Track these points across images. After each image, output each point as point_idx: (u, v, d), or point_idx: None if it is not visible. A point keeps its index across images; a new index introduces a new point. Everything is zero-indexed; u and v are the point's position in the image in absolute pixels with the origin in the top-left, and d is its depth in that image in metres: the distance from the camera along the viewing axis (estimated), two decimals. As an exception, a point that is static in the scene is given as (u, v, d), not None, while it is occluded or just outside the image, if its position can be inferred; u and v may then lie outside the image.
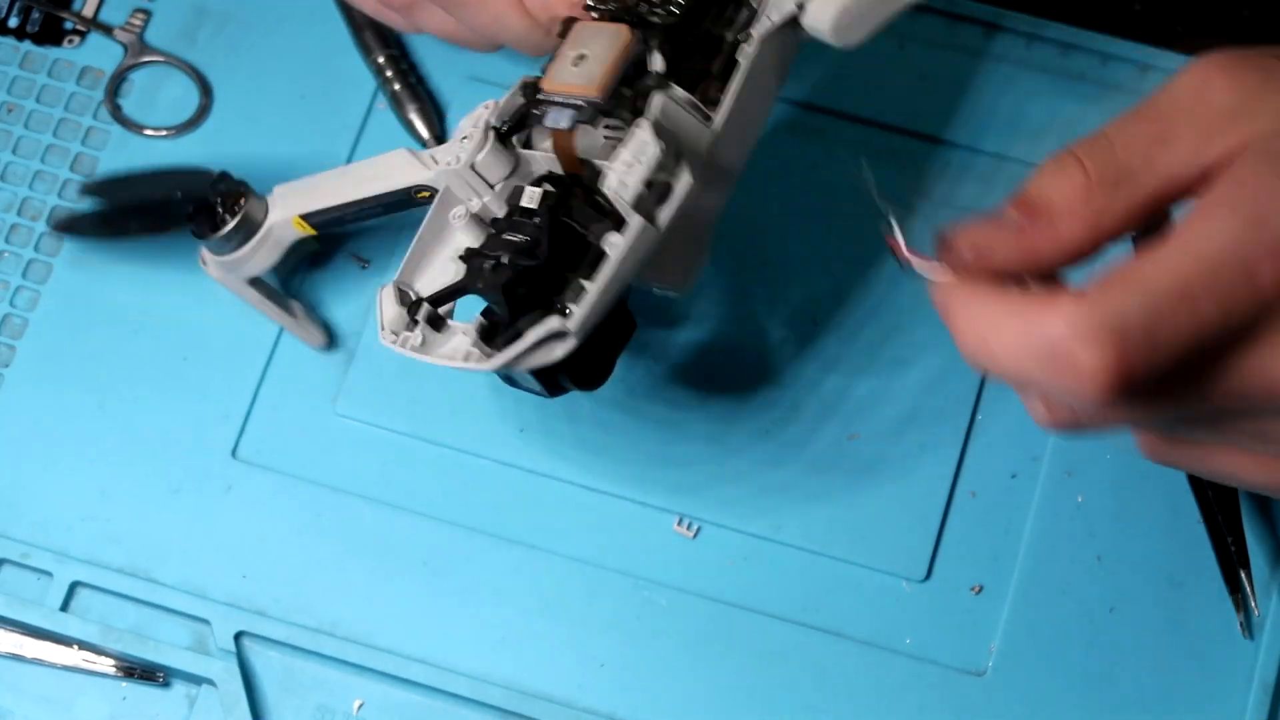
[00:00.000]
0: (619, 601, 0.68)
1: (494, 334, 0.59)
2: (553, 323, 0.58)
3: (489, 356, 0.58)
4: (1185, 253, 0.52)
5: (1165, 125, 0.55)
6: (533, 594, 0.68)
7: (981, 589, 0.68)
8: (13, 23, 0.76)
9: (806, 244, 0.72)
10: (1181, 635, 0.68)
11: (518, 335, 0.58)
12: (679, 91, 0.60)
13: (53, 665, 0.68)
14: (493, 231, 0.60)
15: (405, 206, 0.65)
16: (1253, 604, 0.68)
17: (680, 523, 0.69)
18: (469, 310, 0.60)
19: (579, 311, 0.58)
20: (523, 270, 0.58)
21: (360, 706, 0.67)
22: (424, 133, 0.73)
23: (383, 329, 0.61)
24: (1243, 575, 0.68)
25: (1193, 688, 0.67)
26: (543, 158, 0.61)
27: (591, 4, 0.62)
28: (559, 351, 0.58)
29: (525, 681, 0.67)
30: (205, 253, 0.68)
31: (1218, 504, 0.68)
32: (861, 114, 0.71)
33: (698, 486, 0.70)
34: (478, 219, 0.62)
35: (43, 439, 0.70)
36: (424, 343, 0.60)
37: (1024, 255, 0.56)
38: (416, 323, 0.61)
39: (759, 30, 0.61)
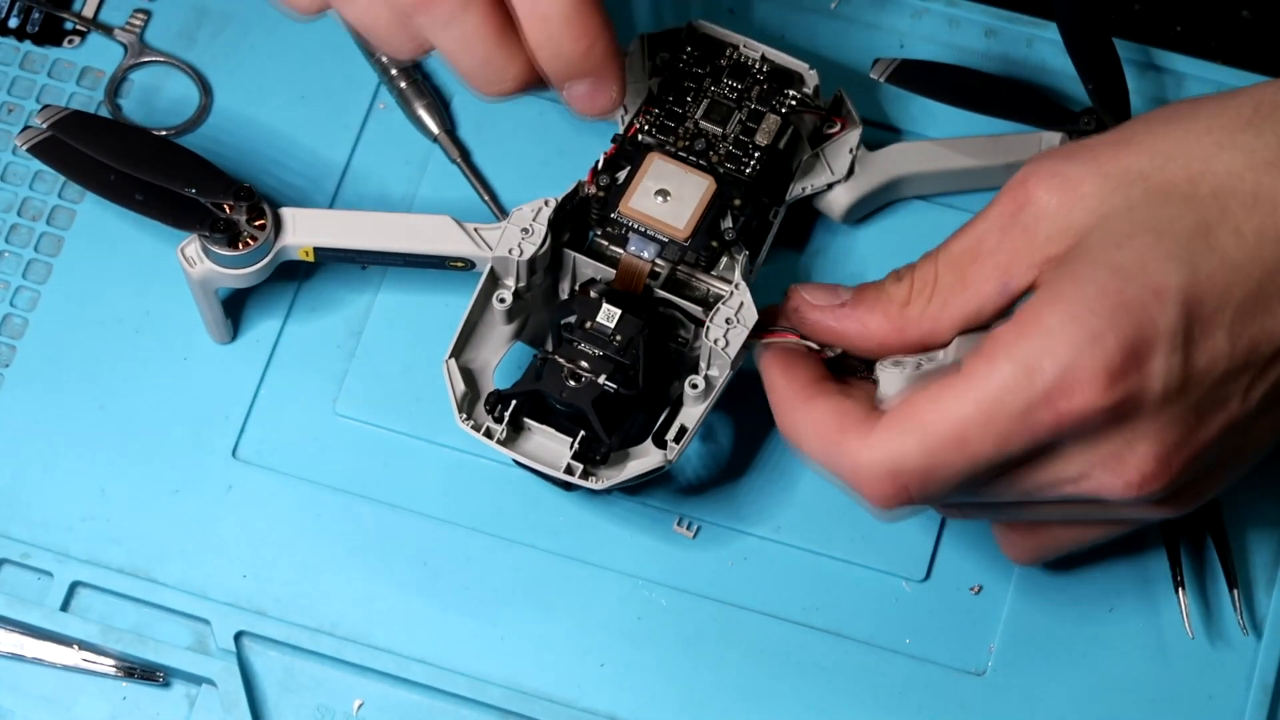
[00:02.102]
0: (619, 601, 0.68)
1: (586, 446, 0.65)
2: (657, 459, 0.65)
3: (595, 477, 0.64)
4: (964, 399, 0.57)
5: (977, 246, 0.60)
6: (533, 594, 0.68)
7: (981, 589, 0.69)
8: (13, 23, 0.76)
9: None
10: (1181, 635, 0.68)
11: (609, 451, 0.65)
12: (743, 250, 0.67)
13: (53, 665, 0.68)
14: (566, 336, 0.64)
15: (432, 266, 0.68)
16: (1236, 608, 0.68)
17: (680, 523, 0.69)
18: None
19: (679, 447, 0.64)
20: (615, 394, 0.64)
21: (360, 706, 0.67)
22: (434, 128, 0.73)
23: (459, 413, 0.65)
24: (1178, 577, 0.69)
25: (1192, 688, 0.67)
26: (590, 267, 0.67)
27: (674, 148, 0.68)
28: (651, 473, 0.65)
29: (525, 681, 0.67)
30: (194, 253, 0.68)
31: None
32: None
33: (698, 486, 0.70)
34: (518, 304, 0.67)
35: (43, 439, 0.70)
36: (507, 439, 0.65)
37: (831, 335, 0.63)
38: (502, 419, 0.65)
39: (791, 196, 0.70)
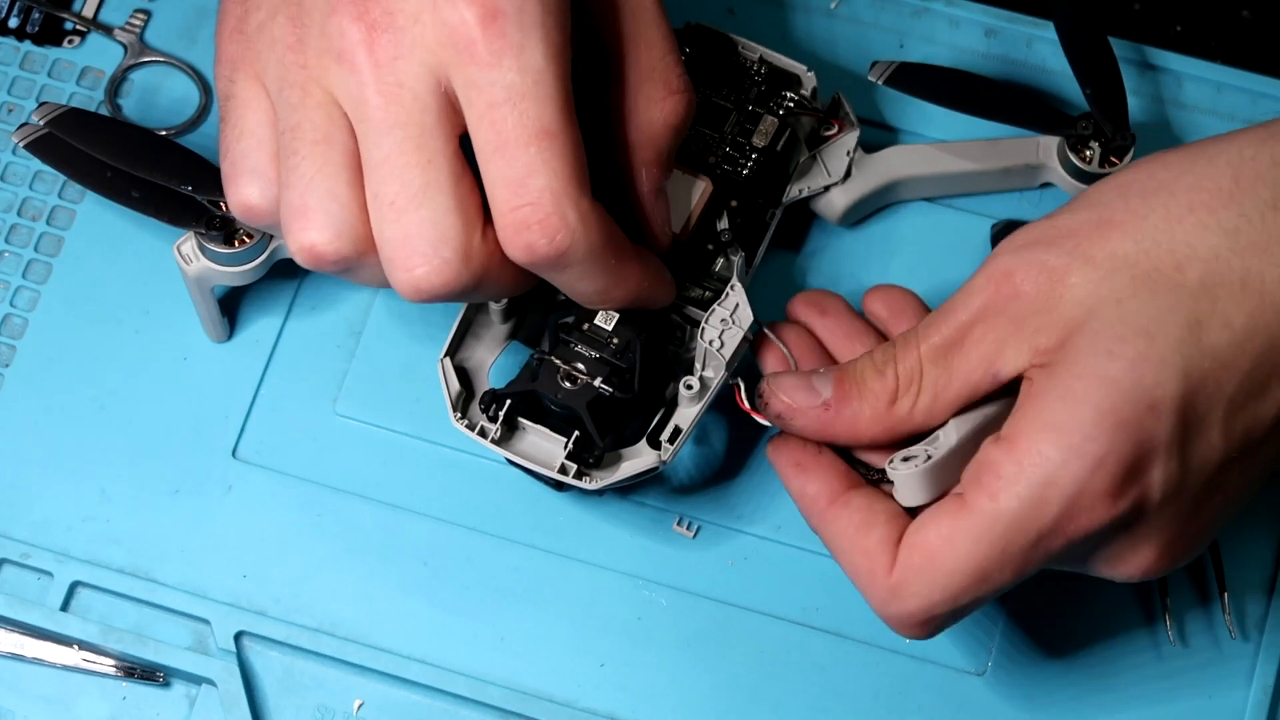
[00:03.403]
0: (619, 601, 0.68)
1: (580, 447, 0.64)
2: (650, 459, 0.64)
3: (588, 477, 0.64)
4: (979, 541, 0.58)
5: (962, 337, 0.60)
6: (533, 594, 0.68)
7: (981, 589, 0.68)
8: (13, 23, 0.76)
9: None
10: (1180, 635, 0.68)
11: (601, 453, 0.65)
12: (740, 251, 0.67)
13: (53, 665, 0.68)
14: (563, 337, 0.64)
15: None
16: (1225, 611, 0.68)
17: (680, 523, 0.69)
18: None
19: (673, 449, 0.64)
20: (610, 397, 0.64)
21: (360, 706, 0.67)
22: None
23: (454, 412, 0.65)
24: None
25: (1192, 688, 0.67)
26: None
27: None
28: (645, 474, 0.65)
29: (525, 681, 0.67)
30: (190, 250, 0.68)
31: None
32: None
33: (698, 486, 0.69)
34: (514, 303, 0.66)
35: (43, 439, 0.70)
36: (502, 438, 0.65)
37: (822, 435, 0.63)
38: (496, 418, 0.65)
39: (788, 198, 0.70)
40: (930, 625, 0.60)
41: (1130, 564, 0.59)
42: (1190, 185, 0.59)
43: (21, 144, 0.69)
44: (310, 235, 0.60)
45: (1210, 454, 0.58)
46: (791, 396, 0.63)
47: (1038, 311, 0.58)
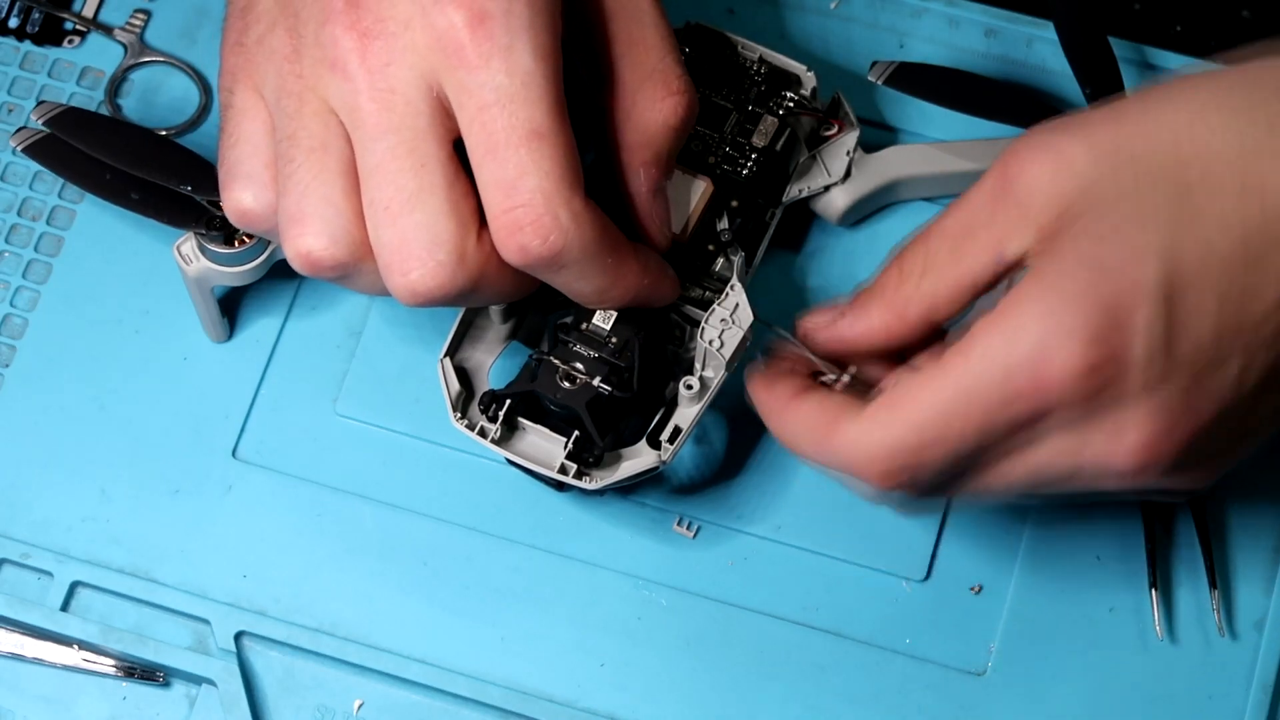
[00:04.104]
0: (619, 601, 0.68)
1: (580, 447, 0.65)
2: (650, 459, 0.65)
3: (588, 477, 0.65)
4: (944, 383, 0.57)
5: (970, 220, 0.59)
6: (533, 594, 0.68)
7: (981, 589, 0.68)
8: (13, 23, 0.76)
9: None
10: (1181, 635, 0.68)
11: (601, 452, 0.65)
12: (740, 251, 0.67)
13: (53, 665, 0.68)
14: (562, 337, 0.64)
15: None
16: (1215, 609, 0.68)
17: (680, 523, 0.69)
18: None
19: (673, 449, 0.65)
20: (610, 396, 0.64)
21: (360, 706, 0.67)
22: None
23: (454, 412, 0.65)
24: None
25: (1192, 688, 0.67)
26: None
27: None
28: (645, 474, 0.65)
29: (525, 681, 0.67)
30: (189, 250, 0.68)
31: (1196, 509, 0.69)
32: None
33: (698, 486, 0.70)
34: (513, 304, 0.66)
35: (43, 439, 0.70)
36: (501, 438, 0.65)
37: (845, 346, 0.62)
38: (496, 418, 0.65)
39: (787, 198, 0.70)
40: (893, 463, 0.58)
41: (1127, 434, 0.57)
42: (1203, 89, 0.58)
43: (20, 147, 0.69)
44: (307, 241, 0.60)
45: (1203, 316, 0.56)
46: (814, 319, 0.63)
47: (1042, 190, 0.58)
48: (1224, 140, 0.57)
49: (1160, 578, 0.68)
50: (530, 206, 0.58)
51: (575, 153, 0.59)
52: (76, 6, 0.76)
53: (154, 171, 0.67)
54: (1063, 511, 0.69)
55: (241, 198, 0.62)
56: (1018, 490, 0.61)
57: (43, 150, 0.69)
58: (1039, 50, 0.75)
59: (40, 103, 0.70)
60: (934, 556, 0.69)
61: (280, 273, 0.70)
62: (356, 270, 0.61)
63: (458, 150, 0.60)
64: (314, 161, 0.60)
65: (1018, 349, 0.56)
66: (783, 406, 0.62)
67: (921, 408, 0.58)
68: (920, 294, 0.60)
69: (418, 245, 0.59)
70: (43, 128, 0.69)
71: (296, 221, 0.60)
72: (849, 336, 0.62)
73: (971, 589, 0.68)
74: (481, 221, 0.60)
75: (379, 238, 0.59)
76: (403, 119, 0.59)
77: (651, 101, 0.62)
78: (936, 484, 0.59)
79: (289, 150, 0.60)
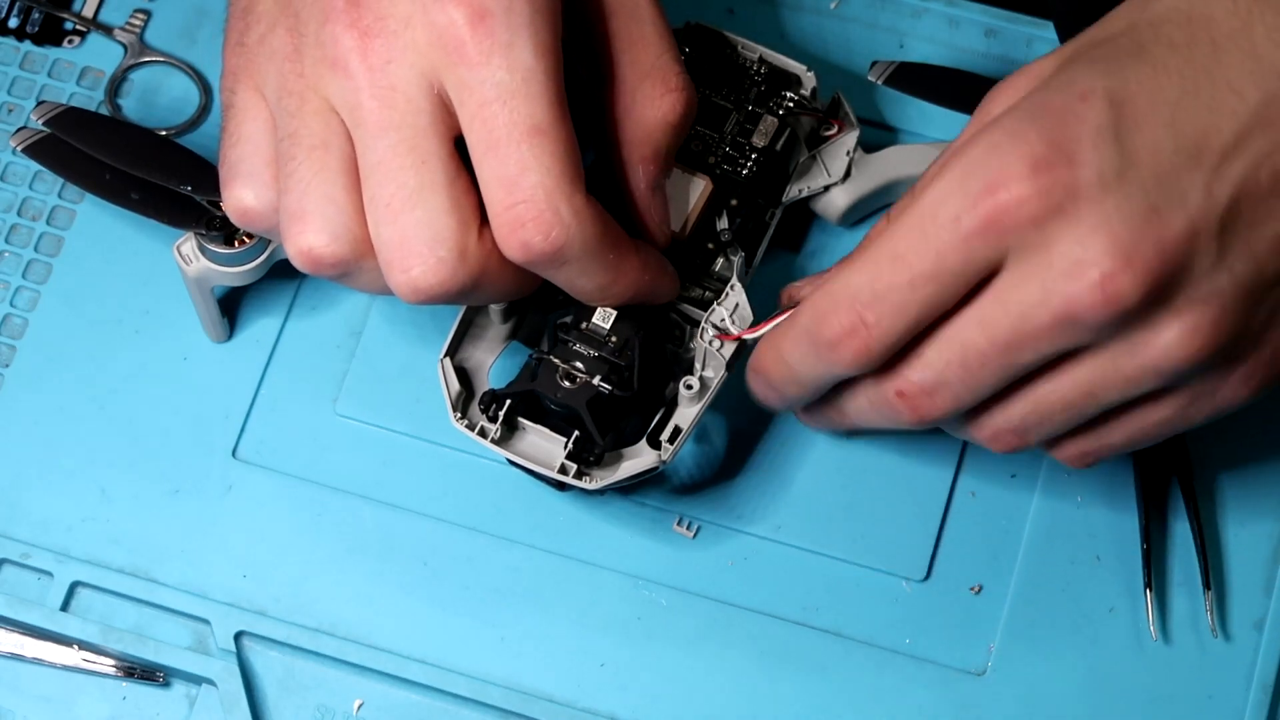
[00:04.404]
0: (619, 601, 0.68)
1: (580, 447, 0.65)
2: (651, 459, 0.65)
3: (588, 477, 0.65)
4: (898, 223, 0.57)
5: (949, 152, 0.59)
6: (533, 594, 0.68)
7: (981, 589, 0.69)
8: (13, 23, 0.76)
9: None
10: (1180, 635, 0.68)
11: (602, 452, 0.65)
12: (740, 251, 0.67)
13: (53, 665, 0.68)
14: (562, 337, 0.64)
15: None
16: (1209, 610, 0.68)
17: (680, 523, 0.69)
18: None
19: (673, 448, 0.65)
20: (610, 395, 0.64)
21: (360, 706, 0.67)
22: None
23: (454, 412, 0.65)
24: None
25: (1192, 688, 0.67)
26: None
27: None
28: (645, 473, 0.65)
29: (525, 681, 0.67)
30: (190, 250, 0.68)
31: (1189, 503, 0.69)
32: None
33: (698, 486, 0.70)
34: (513, 303, 0.66)
35: (43, 439, 0.70)
36: (502, 438, 0.65)
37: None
38: (496, 418, 0.65)
39: (787, 198, 0.70)
40: (849, 305, 0.58)
41: (1086, 265, 0.55)
42: None
43: (20, 148, 0.69)
44: (308, 238, 0.60)
45: (1157, 147, 0.55)
46: (803, 285, 0.64)
47: (1004, 101, 0.59)
48: (1172, 1, 0.57)
49: (1159, 578, 0.68)
50: (532, 202, 0.58)
51: (576, 149, 0.59)
52: (76, 6, 0.76)
53: (154, 171, 0.67)
54: (1063, 511, 0.69)
55: (243, 196, 0.62)
56: (996, 343, 0.59)
57: (43, 150, 0.69)
58: (1039, 50, 0.75)
59: (40, 103, 0.70)
60: (934, 556, 0.69)
61: (280, 273, 0.70)
62: (358, 268, 0.61)
63: (459, 149, 0.60)
64: (315, 159, 0.60)
65: (968, 178, 0.56)
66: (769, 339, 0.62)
67: (878, 246, 0.58)
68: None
69: (419, 242, 0.59)
70: (43, 128, 0.69)
71: (298, 219, 0.60)
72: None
73: (971, 589, 0.68)
74: (483, 219, 0.60)
75: (380, 235, 0.59)
76: (404, 116, 0.59)
77: (650, 99, 0.63)
78: (900, 339, 0.58)
79: (290, 149, 0.60)
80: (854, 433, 0.69)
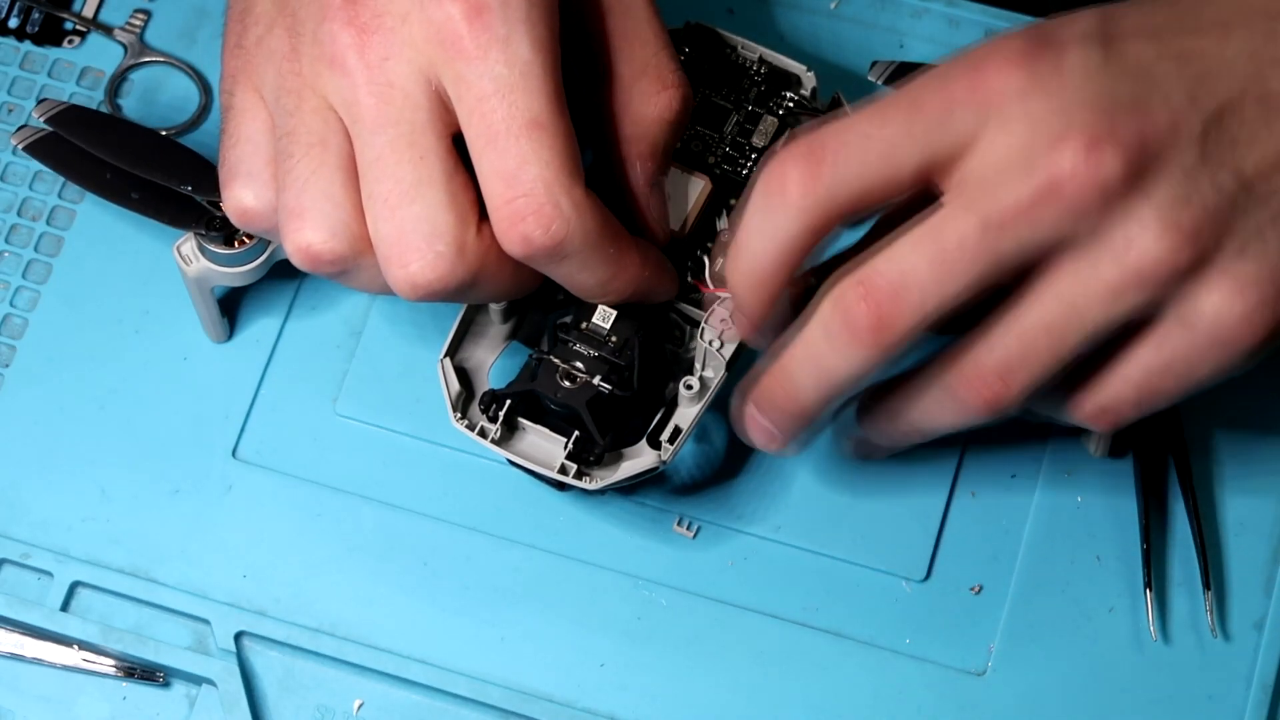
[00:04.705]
0: (619, 601, 0.68)
1: (580, 447, 0.65)
2: (650, 459, 0.65)
3: (588, 477, 0.64)
4: (889, 102, 0.57)
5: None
6: (533, 594, 0.68)
7: (981, 589, 0.69)
8: (13, 23, 0.76)
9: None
10: (1180, 635, 0.68)
11: (602, 451, 0.64)
12: None
13: (53, 665, 0.68)
14: (562, 337, 0.64)
15: None
16: (1209, 610, 0.68)
17: (680, 523, 0.69)
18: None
19: (673, 449, 0.64)
20: (610, 395, 0.64)
21: (360, 706, 0.67)
22: None
23: (454, 412, 0.65)
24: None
25: (1192, 688, 0.67)
26: None
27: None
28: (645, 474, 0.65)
29: (525, 681, 0.67)
30: (189, 250, 0.68)
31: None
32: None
33: (698, 486, 0.70)
34: (513, 303, 0.66)
35: (43, 439, 0.70)
36: (501, 438, 0.65)
37: None
38: (496, 418, 0.65)
39: None
40: (810, 157, 0.58)
41: (1068, 138, 0.55)
42: None
43: (21, 146, 0.69)
44: (306, 235, 0.60)
45: (1141, 51, 0.56)
46: None
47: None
48: None
49: (1159, 578, 0.68)
50: (532, 196, 0.58)
51: (575, 143, 0.59)
52: (76, 6, 0.76)
53: (155, 171, 0.67)
54: (1063, 511, 0.69)
55: (242, 196, 0.62)
56: (972, 231, 0.58)
57: (43, 149, 0.69)
58: (1039, 50, 0.75)
59: (41, 101, 0.70)
60: (934, 556, 0.69)
61: (280, 273, 0.70)
62: (356, 265, 0.61)
63: (457, 146, 0.60)
64: (313, 157, 0.60)
65: (955, 67, 0.56)
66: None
67: (859, 112, 0.58)
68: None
69: (417, 237, 0.59)
70: (44, 126, 0.69)
71: (296, 216, 0.60)
72: None
73: (971, 589, 0.68)
74: (481, 215, 0.60)
75: (378, 230, 0.59)
76: (401, 112, 0.59)
77: (646, 95, 0.63)
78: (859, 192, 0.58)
79: (288, 147, 0.60)
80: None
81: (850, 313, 0.58)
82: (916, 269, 0.57)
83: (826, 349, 0.59)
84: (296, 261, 0.61)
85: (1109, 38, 0.56)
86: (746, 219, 0.60)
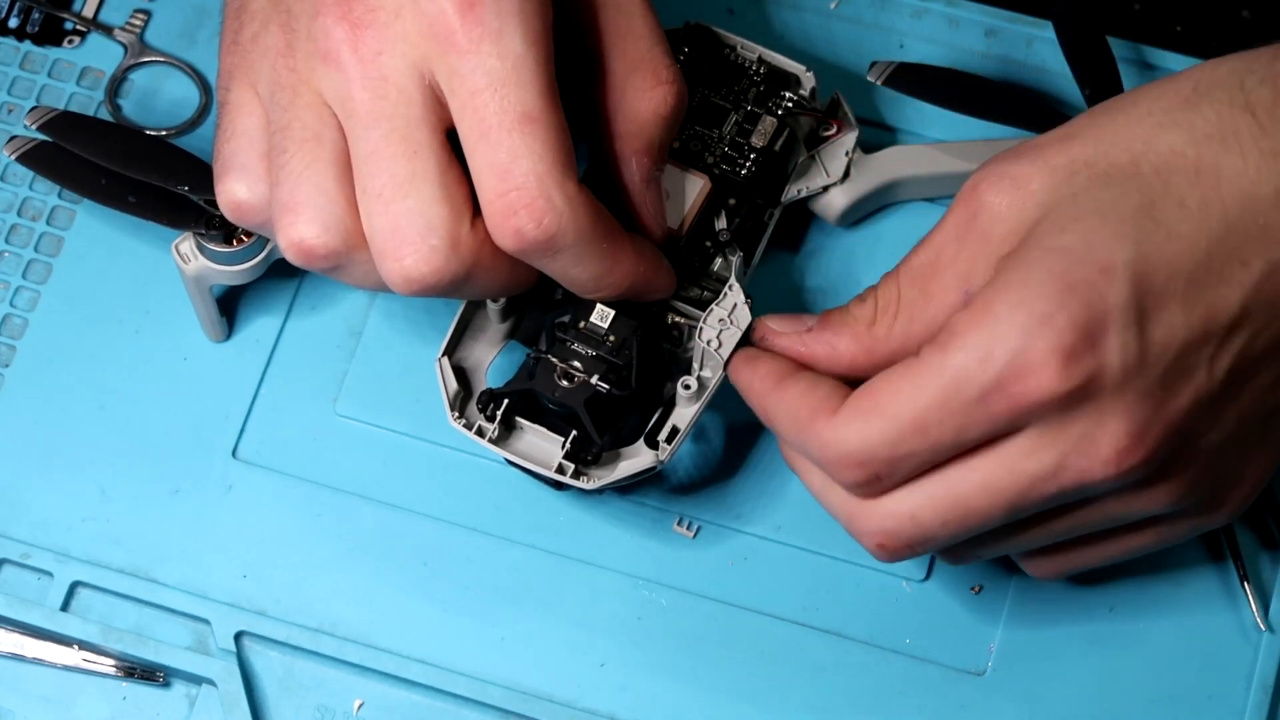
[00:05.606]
0: (619, 601, 0.68)
1: (578, 446, 0.65)
2: (648, 459, 0.65)
3: (586, 476, 0.65)
4: (921, 387, 0.58)
5: (936, 258, 0.60)
6: (533, 594, 0.68)
7: (981, 589, 0.69)
8: (13, 23, 0.76)
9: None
10: (1180, 635, 0.68)
11: (600, 451, 0.65)
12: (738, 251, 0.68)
13: (53, 665, 0.68)
14: (560, 336, 0.64)
15: None
16: (1250, 601, 0.68)
17: (680, 523, 0.69)
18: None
19: (670, 448, 0.65)
20: (608, 395, 0.64)
21: (360, 706, 0.67)
22: None
23: (451, 411, 0.65)
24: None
25: (1192, 687, 0.67)
26: None
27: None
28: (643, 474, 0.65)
29: (525, 681, 0.67)
30: (188, 249, 0.68)
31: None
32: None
33: (697, 486, 0.70)
34: (511, 303, 0.66)
35: (43, 439, 0.70)
36: (499, 437, 0.65)
37: (802, 354, 0.63)
38: (494, 417, 0.65)
39: (786, 198, 0.70)
40: (867, 469, 0.59)
41: (1100, 445, 0.57)
42: (1152, 96, 0.59)
43: (14, 156, 0.69)
44: (299, 229, 0.60)
45: (1172, 330, 0.57)
46: (777, 323, 0.63)
47: (1003, 220, 0.59)
48: (1173, 134, 0.58)
49: (1166, 576, 0.68)
50: (524, 189, 0.58)
51: (568, 137, 0.59)
52: (76, 6, 0.76)
53: (150, 172, 0.67)
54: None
55: (236, 190, 0.62)
56: (1015, 541, 0.62)
57: (37, 157, 0.69)
58: (1039, 50, 0.75)
59: (33, 109, 0.70)
60: (934, 556, 0.69)
61: (280, 272, 0.70)
62: (350, 260, 0.61)
63: (451, 141, 0.60)
64: (306, 151, 0.60)
65: (996, 358, 0.57)
66: (766, 389, 0.62)
67: (900, 409, 0.58)
68: (891, 335, 0.61)
69: (411, 230, 0.59)
70: (37, 134, 0.69)
71: (289, 210, 0.60)
72: (808, 354, 0.63)
73: (971, 589, 0.68)
74: (475, 211, 0.60)
75: (372, 224, 0.59)
76: (395, 107, 0.59)
77: (641, 91, 0.63)
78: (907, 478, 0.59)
79: (282, 141, 0.60)
80: None
81: (870, 542, 0.61)
82: (933, 533, 0.60)
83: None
84: (290, 256, 0.61)
85: (1143, 312, 0.56)
86: (800, 468, 0.62)
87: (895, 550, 0.60)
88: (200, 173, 0.67)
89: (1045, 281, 0.56)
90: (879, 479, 0.59)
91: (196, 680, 0.68)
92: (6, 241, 0.73)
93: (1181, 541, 0.63)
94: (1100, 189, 0.58)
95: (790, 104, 0.69)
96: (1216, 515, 0.61)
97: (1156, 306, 0.56)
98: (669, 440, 0.65)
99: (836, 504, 0.61)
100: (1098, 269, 0.56)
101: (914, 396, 0.58)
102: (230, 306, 0.71)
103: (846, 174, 0.70)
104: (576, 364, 0.64)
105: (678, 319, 0.67)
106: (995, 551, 0.63)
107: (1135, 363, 0.56)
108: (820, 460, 0.60)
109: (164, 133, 0.73)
